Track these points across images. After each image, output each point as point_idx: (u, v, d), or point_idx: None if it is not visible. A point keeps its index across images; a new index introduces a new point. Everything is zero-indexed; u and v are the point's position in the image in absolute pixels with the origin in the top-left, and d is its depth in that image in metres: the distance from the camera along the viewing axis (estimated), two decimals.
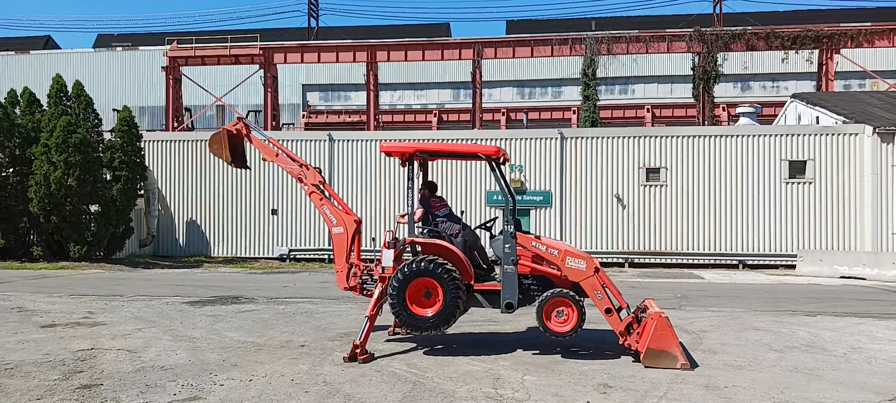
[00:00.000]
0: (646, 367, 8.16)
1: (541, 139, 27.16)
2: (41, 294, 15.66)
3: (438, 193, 10.19)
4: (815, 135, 25.64)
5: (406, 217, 9.08)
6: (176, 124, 40.45)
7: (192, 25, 78.84)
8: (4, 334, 10.41)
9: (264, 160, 10.52)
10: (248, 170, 11.99)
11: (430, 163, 10.17)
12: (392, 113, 49.30)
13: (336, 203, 10.09)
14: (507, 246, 8.72)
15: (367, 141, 28.22)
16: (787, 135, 26.02)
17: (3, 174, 25.43)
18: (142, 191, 27.28)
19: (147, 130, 37.24)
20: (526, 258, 8.80)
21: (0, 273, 21.42)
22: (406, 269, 8.64)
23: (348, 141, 28.29)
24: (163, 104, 44.12)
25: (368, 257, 10.11)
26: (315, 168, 10.41)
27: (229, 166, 10.99)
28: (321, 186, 10.07)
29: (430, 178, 9.99)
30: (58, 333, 10.52)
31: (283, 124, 47.80)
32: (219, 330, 10.82)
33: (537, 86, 52.41)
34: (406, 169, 9.11)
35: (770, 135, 26.09)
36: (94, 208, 24.98)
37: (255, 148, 10.51)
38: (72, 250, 24.56)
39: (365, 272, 9.66)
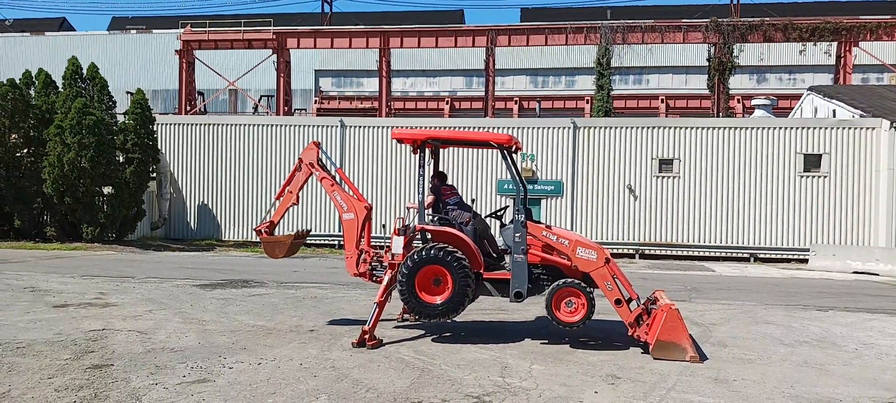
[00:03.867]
0: (655, 359, 8.13)
1: (553, 128, 27.02)
2: (54, 274, 15.81)
3: (449, 181, 10.17)
4: (831, 128, 25.33)
5: (416, 205, 9.07)
6: (189, 108, 40.58)
7: (206, 9, 79.03)
8: (17, 313, 10.52)
9: (295, 205, 10.28)
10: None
11: (441, 150, 10.14)
12: (404, 100, 49.20)
13: (348, 189, 10.06)
14: (517, 235, 8.69)
15: (378, 127, 28.18)
16: (803, 128, 25.72)
17: (18, 155, 25.62)
18: (154, 174, 27.42)
19: (160, 113, 37.40)
20: (536, 247, 8.78)
21: (13, 252, 21.65)
22: (416, 256, 8.63)
23: (360, 127, 28.26)
24: (176, 87, 44.26)
25: (378, 244, 10.11)
26: (313, 143, 10.29)
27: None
28: (322, 163, 9.97)
29: (440, 166, 9.97)
30: (69, 313, 10.62)
31: (295, 109, 47.82)
32: (228, 314, 10.89)
33: (551, 75, 52.11)
34: (417, 156, 9.09)
35: (785, 128, 25.81)
36: (107, 190, 25.13)
37: (284, 215, 10.29)
38: (84, 231, 24.76)
39: (375, 258, 9.66)
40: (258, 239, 10.50)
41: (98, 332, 9.18)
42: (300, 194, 10.18)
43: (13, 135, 25.41)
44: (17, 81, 25.88)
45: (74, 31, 62.66)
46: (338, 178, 10.21)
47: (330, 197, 9.91)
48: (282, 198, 10.19)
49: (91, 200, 24.76)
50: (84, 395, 6.35)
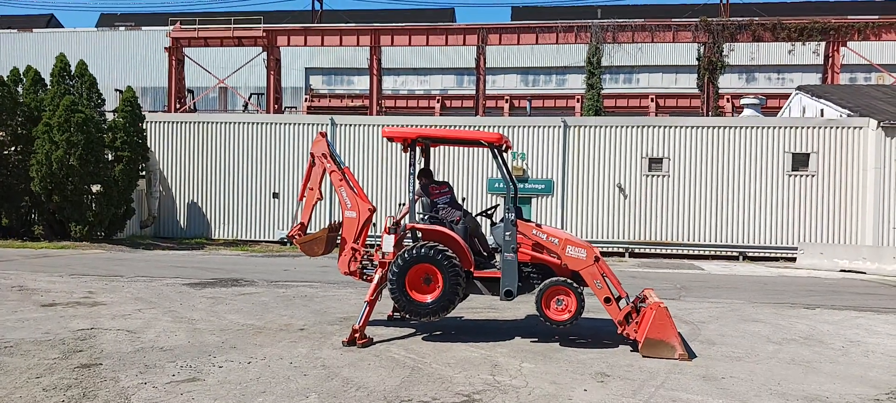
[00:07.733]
0: (644, 357, 8.17)
1: (544, 127, 27.08)
2: (42, 273, 15.70)
3: (437, 180, 10.16)
4: (819, 128, 25.53)
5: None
6: (178, 105, 40.36)
7: (196, 6, 78.48)
8: (4, 312, 10.44)
9: (320, 200, 10.09)
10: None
11: (432, 149, 10.14)
12: (395, 98, 49.14)
13: (354, 189, 9.87)
14: (507, 233, 8.71)
15: (369, 126, 28.15)
16: (791, 127, 25.91)
17: (5, 152, 25.41)
18: (143, 172, 27.26)
19: (149, 111, 37.16)
20: (526, 246, 8.80)
21: (1, 251, 21.47)
22: (406, 255, 8.64)
23: (351, 125, 28.22)
24: (165, 85, 44.01)
25: (369, 243, 10.09)
26: (320, 133, 10.20)
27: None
28: (333, 155, 9.82)
29: (430, 165, 9.97)
30: (58, 312, 10.56)
31: (285, 107, 47.65)
32: (218, 313, 10.85)
33: (541, 74, 52.18)
34: (408, 154, 9.09)
35: (774, 128, 25.98)
36: (95, 188, 24.97)
37: (311, 213, 10.14)
38: (73, 230, 24.59)
39: (365, 257, 9.64)
40: (290, 243, 10.26)
41: (86, 331, 9.13)
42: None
43: (0, 133, 25.20)
44: (5, 78, 25.65)
45: (62, 27, 62.15)
46: (338, 168, 10.07)
47: (336, 191, 9.74)
48: (305, 198, 10.07)
49: (79, 198, 24.59)
50: (72, 395, 6.31)
